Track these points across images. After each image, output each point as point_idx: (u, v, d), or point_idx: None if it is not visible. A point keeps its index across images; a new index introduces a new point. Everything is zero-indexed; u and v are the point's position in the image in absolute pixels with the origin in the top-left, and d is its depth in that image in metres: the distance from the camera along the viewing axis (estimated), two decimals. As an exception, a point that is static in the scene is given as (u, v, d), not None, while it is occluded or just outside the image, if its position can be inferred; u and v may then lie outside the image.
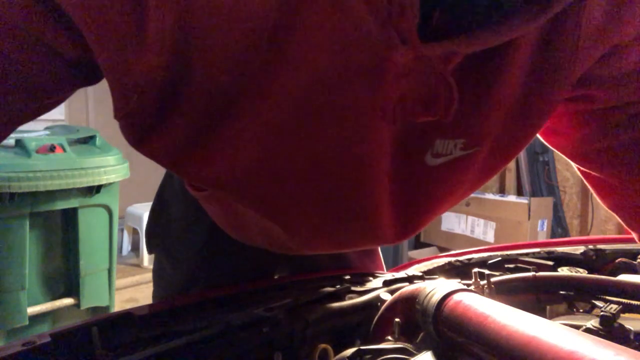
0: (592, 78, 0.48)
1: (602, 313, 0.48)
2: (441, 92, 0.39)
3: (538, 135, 0.59)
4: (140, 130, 0.41)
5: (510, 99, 0.46)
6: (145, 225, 0.84)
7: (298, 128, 0.41)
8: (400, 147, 0.46)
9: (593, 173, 0.60)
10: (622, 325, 0.47)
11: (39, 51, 0.36)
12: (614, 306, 0.50)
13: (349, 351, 0.46)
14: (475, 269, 0.60)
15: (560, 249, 0.82)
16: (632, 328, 0.47)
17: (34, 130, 2.15)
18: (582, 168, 0.61)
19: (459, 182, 0.53)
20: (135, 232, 2.76)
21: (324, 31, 0.35)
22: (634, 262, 0.76)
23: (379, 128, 0.43)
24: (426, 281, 0.56)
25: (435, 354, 0.44)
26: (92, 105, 2.85)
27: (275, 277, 0.87)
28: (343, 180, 0.47)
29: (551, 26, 0.43)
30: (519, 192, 3.03)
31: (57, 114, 2.51)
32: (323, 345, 0.53)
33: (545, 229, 2.79)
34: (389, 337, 0.50)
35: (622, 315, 0.49)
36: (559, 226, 2.89)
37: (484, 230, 2.92)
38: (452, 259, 0.80)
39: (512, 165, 3.05)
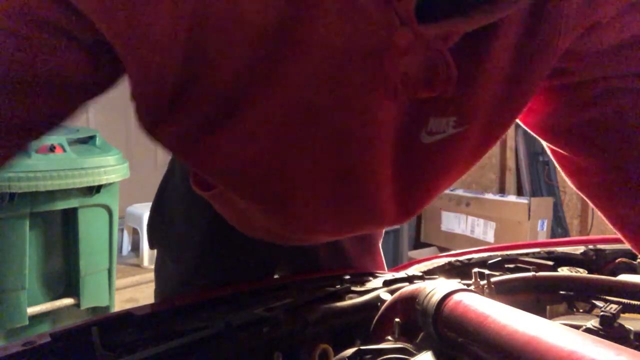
0: (570, 53, 0.50)
1: (602, 313, 0.48)
2: (440, 69, 0.41)
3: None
4: (154, 114, 0.42)
5: (498, 77, 0.47)
6: (147, 221, 0.85)
7: (305, 113, 0.43)
8: (399, 126, 0.48)
9: (560, 151, 0.61)
10: (622, 325, 0.47)
11: (56, 35, 0.36)
12: (614, 306, 0.50)
13: (349, 351, 0.46)
14: (475, 269, 0.60)
15: (560, 249, 0.82)
16: (632, 328, 0.47)
17: (34, 130, 2.15)
18: (550, 146, 0.62)
19: (454, 160, 0.54)
20: (135, 232, 2.76)
21: (328, 18, 0.37)
22: (634, 262, 0.76)
23: (381, 107, 0.44)
24: (426, 281, 0.56)
25: (435, 354, 0.44)
26: (92, 105, 2.84)
27: (276, 276, 0.87)
28: (347, 162, 0.49)
29: (536, 5, 0.45)
30: (519, 192, 3.03)
31: (57, 114, 2.51)
32: (323, 345, 0.53)
33: (545, 229, 2.79)
34: (389, 337, 0.50)
35: (622, 315, 0.49)
36: (559, 226, 2.89)
37: (484, 230, 2.91)
38: (452, 259, 0.80)
39: (512, 165, 3.05)
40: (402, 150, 0.50)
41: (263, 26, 0.36)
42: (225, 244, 0.77)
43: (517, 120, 0.62)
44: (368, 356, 0.45)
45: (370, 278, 0.70)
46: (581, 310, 0.64)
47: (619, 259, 0.78)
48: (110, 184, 1.92)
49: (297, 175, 0.49)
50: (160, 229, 0.82)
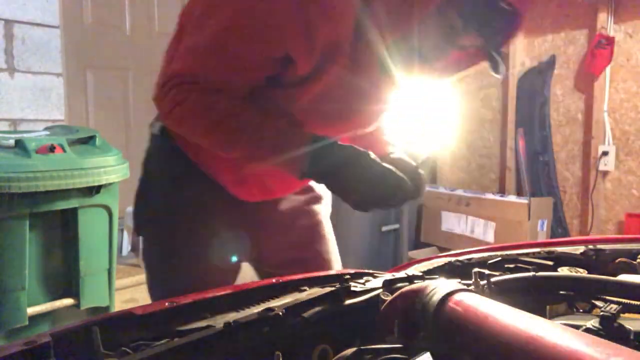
0: None
1: (602, 313, 0.48)
2: None
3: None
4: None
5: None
6: (133, 210, 1.03)
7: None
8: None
9: None
10: (622, 325, 0.47)
11: None
12: (614, 306, 0.50)
13: (349, 351, 0.46)
14: (475, 269, 0.60)
15: (560, 249, 0.82)
16: (632, 328, 0.47)
17: (34, 131, 2.14)
18: None
19: None
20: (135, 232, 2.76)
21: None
22: (634, 262, 0.76)
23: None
24: (426, 281, 0.56)
25: (435, 354, 0.45)
26: (92, 105, 2.84)
27: (274, 279, 0.87)
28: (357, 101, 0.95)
29: None
30: (519, 192, 3.03)
31: (57, 114, 2.51)
32: (323, 345, 0.53)
33: (545, 229, 2.79)
34: (389, 337, 0.50)
35: (622, 315, 0.49)
36: (559, 226, 2.89)
37: (484, 230, 2.91)
38: (452, 259, 0.80)
39: (512, 165, 3.05)
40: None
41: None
42: (201, 229, 0.97)
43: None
44: (368, 356, 0.45)
45: (370, 278, 0.70)
46: (581, 310, 0.64)
47: (619, 259, 0.78)
48: (110, 184, 1.91)
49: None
50: (144, 217, 1.02)
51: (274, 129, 0.84)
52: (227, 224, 0.99)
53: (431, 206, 3.20)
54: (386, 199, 0.83)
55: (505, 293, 0.59)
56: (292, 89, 0.86)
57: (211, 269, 0.97)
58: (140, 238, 1.04)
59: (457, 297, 0.46)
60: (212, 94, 0.83)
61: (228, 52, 0.82)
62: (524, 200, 2.75)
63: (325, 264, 1.16)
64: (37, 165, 1.68)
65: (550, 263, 0.75)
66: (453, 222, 3.09)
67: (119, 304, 2.24)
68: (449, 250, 1.71)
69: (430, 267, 0.76)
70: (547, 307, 0.63)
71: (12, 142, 1.77)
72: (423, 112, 2.31)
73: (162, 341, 0.48)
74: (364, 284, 0.66)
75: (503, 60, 0.84)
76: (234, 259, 1.02)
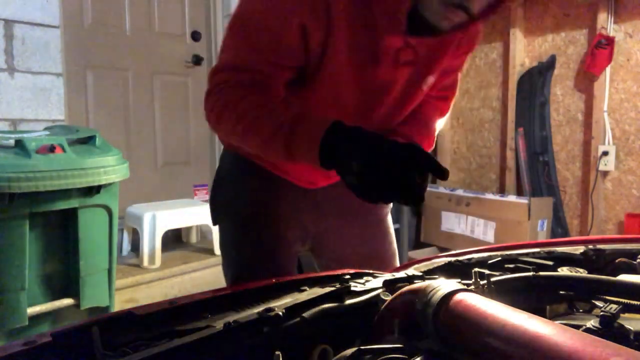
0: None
1: (602, 313, 0.48)
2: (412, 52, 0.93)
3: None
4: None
5: (446, 57, 1.01)
6: (209, 198, 1.19)
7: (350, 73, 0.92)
8: (409, 80, 0.99)
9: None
10: (622, 325, 0.47)
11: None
12: (614, 306, 0.50)
13: (349, 351, 0.46)
14: (475, 269, 0.60)
15: (560, 249, 0.82)
16: (632, 328, 0.47)
17: (34, 131, 2.14)
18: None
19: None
20: (135, 232, 2.75)
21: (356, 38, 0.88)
22: (634, 262, 0.76)
23: (394, 71, 0.95)
24: (426, 281, 0.56)
25: (435, 354, 0.45)
26: (92, 105, 2.84)
27: (274, 279, 0.87)
28: (372, 98, 0.99)
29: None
30: (519, 192, 3.03)
31: (57, 114, 2.51)
32: (323, 345, 0.53)
33: (545, 229, 2.79)
34: (389, 337, 0.50)
35: (622, 315, 0.49)
36: (559, 226, 2.89)
37: (484, 230, 2.91)
38: (452, 259, 0.80)
39: (512, 165, 3.05)
40: (408, 91, 1.00)
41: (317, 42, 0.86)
42: (261, 213, 1.09)
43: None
44: (368, 356, 0.45)
45: (370, 278, 0.70)
46: (581, 310, 0.64)
47: (619, 259, 0.78)
48: (110, 184, 1.91)
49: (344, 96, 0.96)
50: (221, 201, 1.14)
51: (292, 114, 0.82)
52: (292, 209, 1.09)
53: (431, 206, 3.20)
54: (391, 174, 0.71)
55: (505, 293, 0.59)
56: (311, 84, 0.92)
57: (274, 251, 1.09)
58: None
59: (457, 297, 0.46)
60: (243, 87, 0.87)
61: (249, 29, 0.86)
62: (524, 200, 2.75)
63: (383, 262, 1.23)
64: (37, 165, 1.68)
65: (550, 263, 0.75)
66: (453, 222, 3.09)
67: (119, 304, 2.24)
68: (449, 250, 1.71)
69: (430, 267, 0.76)
70: (547, 307, 0.63)
71: (12, 142, 1.76)
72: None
73: (162, 341, 0.48)
74: (364, 284, 0.66)
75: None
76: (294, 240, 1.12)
